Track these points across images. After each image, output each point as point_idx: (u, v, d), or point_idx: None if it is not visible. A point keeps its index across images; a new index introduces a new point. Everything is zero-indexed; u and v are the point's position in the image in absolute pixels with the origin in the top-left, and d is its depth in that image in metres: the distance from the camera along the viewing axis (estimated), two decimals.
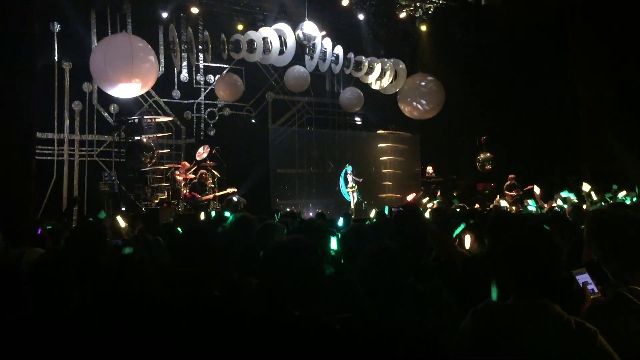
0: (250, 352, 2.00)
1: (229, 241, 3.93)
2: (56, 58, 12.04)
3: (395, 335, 2.10)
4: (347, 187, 14.90)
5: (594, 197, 9.12)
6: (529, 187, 13.79)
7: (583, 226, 4.37)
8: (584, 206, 7.85)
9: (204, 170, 12.66)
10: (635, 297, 2.08)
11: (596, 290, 2.45)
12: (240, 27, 13.55)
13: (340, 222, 6.15)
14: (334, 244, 3.97)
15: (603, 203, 8.48)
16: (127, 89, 11.00)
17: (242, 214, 4.85)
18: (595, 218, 2.42)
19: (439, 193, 14.80)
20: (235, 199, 11.77)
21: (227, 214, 6.06)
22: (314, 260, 2.11)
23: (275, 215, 9.31)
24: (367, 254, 2.38)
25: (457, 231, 4.07)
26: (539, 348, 1.92)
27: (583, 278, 2.51)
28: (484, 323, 2.05)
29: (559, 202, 9.65)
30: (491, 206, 12.31)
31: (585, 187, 9.67)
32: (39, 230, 5.01)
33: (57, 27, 11.95)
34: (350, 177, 14.87)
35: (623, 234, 2.21)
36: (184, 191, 12.16)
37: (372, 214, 8.46)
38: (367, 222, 6.73)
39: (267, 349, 1.94)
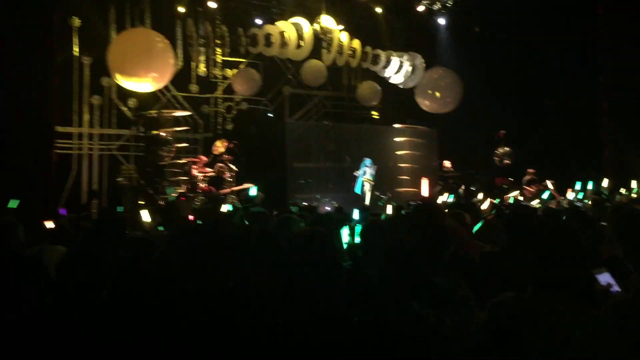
0: (266, 344, 2.01)
1: (244, 235, 3.96)
2: (75, 52, 12.13)
3: (411, 330, 2.10)
4: (363, 179, 14.80)
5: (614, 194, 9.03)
6: (547, 182, 13.64)
7: (603, 222, 4.33)
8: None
9: (222, 164, 12.71)
10: None
11: (619, 290, 2.42)
12: (258, 21, 13.55)
13: (356, 214, 6.11)
14: (345, 235, 3.97)
15: (618, 198, 8.38)
16: (144, 83, 11.08)
17: (259, 210, 4.88)
18: (619, 213, 2.39)
19: (462, 187, 14.66)
20: (253, 193, 11.79)
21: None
22: (330, 250, 2.11)
23: (292, 208, 9.35)
24: (384, 248, 2.38)
25: (476, 228, 4.05)
26: (557, 342, 1.90)
27: (604, 277, 2.48)
28: (501, 316, 2.04)
29: (571, 195, 9.58)
30: (510, 200, 12.21)
31: (605, 182, 9.58)
32: (62, 211, 5.06)
33: (76, 22, 12.04)
34: (368, 170, 14.78)
35: None
36: (202, 185, 12.22)
37: (389, 209, 8.43)
38: (382, 217, 6.72)
39: (283, 340, 1.95)
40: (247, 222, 4.93)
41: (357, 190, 14.82)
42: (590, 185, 10.14)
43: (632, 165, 11.86)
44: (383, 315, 2.15)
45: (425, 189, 12.95)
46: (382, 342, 1.93)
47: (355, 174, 14.78)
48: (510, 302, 2.08)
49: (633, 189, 9.42)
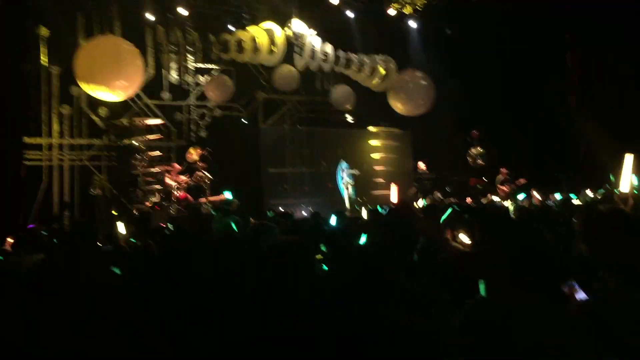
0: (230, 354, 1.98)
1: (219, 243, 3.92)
2: (44, 62, 11.93)
3: (382, 333, 2.08)
4: (342, 183, 14.85)
5: (589, 194, 9.17)
6: (521, 181, 13.82)
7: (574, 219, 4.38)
8: (575, 201, 7.88)
9: (197, 172, 12.63)
10: (623, 294, 2.08)
11: (583, 293, 2.45)
12: (229, 27, 13.48)
13: (333, 220, 6.06)
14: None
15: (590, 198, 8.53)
16: (113, 92, 10.95)
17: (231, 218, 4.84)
18: (585, 214, 2.42)
19: (436, 192, 14.74)
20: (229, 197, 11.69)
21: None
22: (306, 261, 2.09)
23: (268, 213, 9.30)
24: (355, 252, 2.37)
25: (444, 217, 4.04)
26: (532, 344, 1.90)
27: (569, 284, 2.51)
28: (475, 319, 2.03)
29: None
30: (484, 201, 12.34)
31: (588, 192, 9.71)
32: (31, 225, 4.99)
33: (44, 31, 11.84)
34: (345, 173, 14.81)
35: (611, 229, 2.20)
36: (177, 193, 12.11)
37: (364, 213, 8.44)
38: (359, 221, 6.70)
39: (250, 352, 1.92)
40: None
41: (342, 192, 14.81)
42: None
43: (603, 163, 12.07)
44: (352, 319, 2.14)
45: (394, 195, 13.03)
46: (352, 346, 1.91)
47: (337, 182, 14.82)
48: (486, 303, 2.08)
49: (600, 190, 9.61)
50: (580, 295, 2.44)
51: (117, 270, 3.79)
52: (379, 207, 8.25)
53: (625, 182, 8.62)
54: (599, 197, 8.49)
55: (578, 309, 2.15)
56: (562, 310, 1.97)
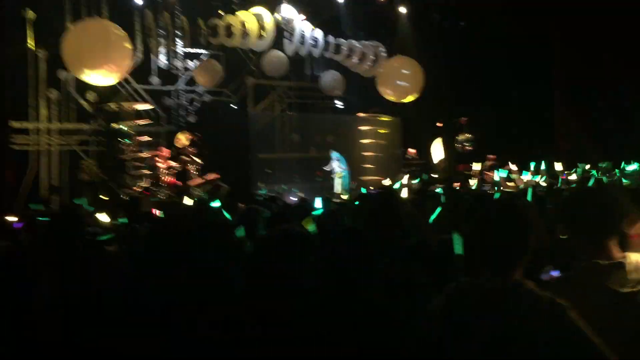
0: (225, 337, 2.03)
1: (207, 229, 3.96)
2: (30, 46, 11.81)
3: (364, 318, 2.13)
4: (332, 174, 14.86)
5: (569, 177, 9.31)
6: (507, 167, 13.90)
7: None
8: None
9: (185, 157, 12.62)
10: (598, 271, 2.14)
11: (557, 273, 2.51)
12: (218, 11, 13.39)
13: (318, 202, 6.07)
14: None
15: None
16: (102, 76, 10.87)
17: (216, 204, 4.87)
18: (565, 195, 2.48)
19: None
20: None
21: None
22: (304, 252, 2.11)
23: (257, 196, 9.34)
24: (336, 234, 2.40)
25: (433, 216, 4.11)
26: (512, 325, 1.92)
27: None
28: (456, 302, 2.06)
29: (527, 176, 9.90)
30: (473, 187, 12.41)
31: (558, 166, 9.88)
32: (17, 225, 4.99)
33: (30, 14, 11.71)
34: (335, 164, 14.83)
35: (591, 209, 2.26)
36: (166, 179, 12.11)
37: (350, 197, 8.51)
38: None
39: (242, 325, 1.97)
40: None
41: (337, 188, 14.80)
42: (542, 165, 10.42)
43: (584, 149, 12.23)
44: (335, 302, 2.18)
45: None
46: (333, 330, 1.96)
47: (325, 168, 14.83)
48: (466, 286, 2.10)
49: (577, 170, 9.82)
50: (553, 271, 2.50)
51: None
52: (363, 190, 8.30)
53: None
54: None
55: (552, 288, 2.21)
56: (545, 293, 2.00)
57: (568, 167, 10.35)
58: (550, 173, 9.82)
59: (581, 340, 1.89)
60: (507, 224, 2.07)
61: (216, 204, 5.67)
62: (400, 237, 3.18)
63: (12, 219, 5.92)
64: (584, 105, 13.06)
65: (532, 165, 10.61)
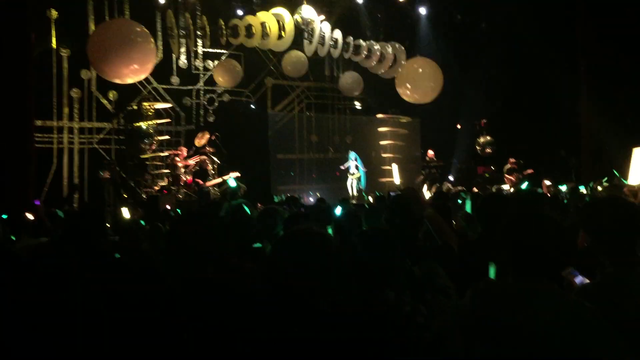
0: (240, 331, 2.02)
1: (227, 227, 3.97)
2: (54, 45, 11.97)
3: (385, 318, 2.12)
4: (348, 173, 14.84)
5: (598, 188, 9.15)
6: (529, 171, 13.80)
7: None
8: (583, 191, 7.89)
9: (204, 157, 12.68)
10: (622, 280, 2.11)
11: (583, 279, 2.47)
12: (238, 12, 13.44)
13: (338, 210, 6.08)
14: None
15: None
16: (125, 75, 10.97)
17: (239, 202, 4.87)
18: (590, 203, 2.44)
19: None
20: (233, 184, 11.79)
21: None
22: (329, 251, 2.09)
23: (275, 198, 9.36)
24: (359, 235, 2.39)
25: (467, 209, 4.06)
26: (541, 327, 1.91)
27: (570, 272, 2.53)
28: (484, 301, 2.05)
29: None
30: (493, 189, 12.34)
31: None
32: (37, 202, 5.04)
33: (54, 14, 11.87)
34: (352, 164, 14.80)
35: (615, 219, 2.22)
36: (184, 178, 12.18)
37: (370, 199, 8.49)
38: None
39: (255, 327, 1.96)
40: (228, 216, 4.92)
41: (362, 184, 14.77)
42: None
43: (609, 155, 12.01)
44: (357, 304, 2.17)
45: (396, 175, 13.01)
46: (355, 331, 1.94)
47: (342, 167, 14.82)
48: (495, 287, 2.09)
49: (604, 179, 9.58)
50: (579, 280, 2.46)
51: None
52: (377, 193, 8.27)
53: (635, 175, 8.60)
54: (604, 187, 8.49)
55: (577, 294, 2.18)
56: (570, 296, 1.99)
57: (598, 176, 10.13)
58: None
59: (611, 343, 1.88)
60: (541, 230, 2.05)
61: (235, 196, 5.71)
62: (423, 239, 3.16)
63: (30, 217, 5.99)
64: (611, 105, 12.81)
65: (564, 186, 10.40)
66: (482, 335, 2.00)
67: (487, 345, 1.97)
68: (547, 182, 10.93)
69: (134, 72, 11.09)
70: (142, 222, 5.88)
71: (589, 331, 1.88)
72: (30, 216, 5.54)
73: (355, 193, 14.45)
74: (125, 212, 6.05)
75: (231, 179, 11.21)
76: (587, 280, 2.42)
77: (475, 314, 2.04)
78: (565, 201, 6.21)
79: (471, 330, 2.03)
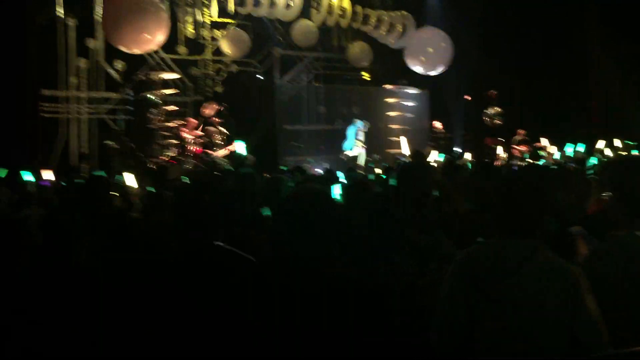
0: (249, 297, 2.04)
1: (233, 196, 3.98)
2: (59, 14, 11.88)
3: (392, 283, 2.13)
4: (357, 141, 14.74)
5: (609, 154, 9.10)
6: (538, 143, 13.71)
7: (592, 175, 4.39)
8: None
9: (212, 127, 12.66)
10: (634, 241, 2.10)
11: (594, 241, 2.46)
12: None
13: (341, 176, 6.09)
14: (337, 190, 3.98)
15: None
16: (139, 44, 10.92)
17: (248, 171, 4.89)
18: (615, 163, 2.46)
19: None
20: (241, 151, 11.74)
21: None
22: (330, 207, 2.11)
23: (283, 168, 9.37)
24: (367, 205, 2.39)
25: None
26: (527, 285, 2.02)
27: (579, 232, 2.54)
28: (475, 261, 2.14)
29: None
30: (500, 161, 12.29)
31: (600, 143, 9.63)
32: (47, 183, 5.07)
33: None
34: (362, 133, 14.72)
35: (633, 177, 2.22)
36: (192, 148, 12.19)
37: (378, 170, 8.47)
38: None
39: (267, 294, 1.97)
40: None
41: (347, 147, 14.71)
42: (580, 147, 10.19)
43: (620, 119, 11.91)
44: (364, 268, 2.17)
45: (405, 147, 12.96)
46: (362, 295, 1.95)
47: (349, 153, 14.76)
48: (487, 247, 2.19)
49: (617, 147, 9.52)
50: (587, 240, 2.48)
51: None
52: (385, 164, 8.24)
53: None
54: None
55: (586, 256, 2.21)
56: (556, 256, 2.09)
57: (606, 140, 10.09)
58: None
59: (585, 310, 1.98)
60: (525, 192, 2.17)
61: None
62: (429, 208, 3.15)
63: (47, 174, 6.03)
64: (620, 76, 12.65)
65: (570, 146, 10.34)
66: (471, 292, 2.09)
67: (477, 303, 2.07)
68: (544, 141, 10.84)
69: (147, 42, 11.04)
70: (152, 189, 5.90)
71: (570, 295, 1.98)
72: (49, 174, 5.56)
73: (362, 163, 14.42)
74: (132, 181, 6.07)
75: (240, 145, 11.15)
76: (595, 240, 2.43)
77: (465, 274, 2.13)
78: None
79: (462, 290, 2.12)
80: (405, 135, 15.31)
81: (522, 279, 2.03)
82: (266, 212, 3.80)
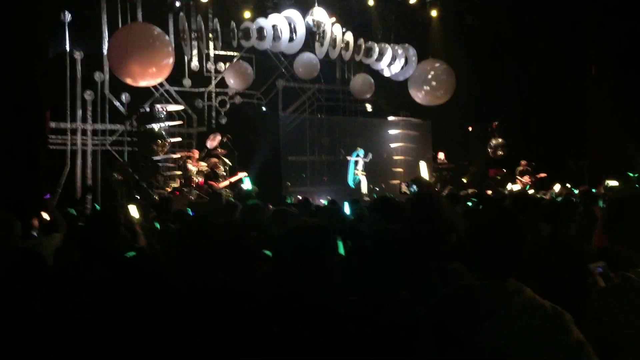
0: (255, 334, 2.03)
1: (240, 228, 3.98)
2: (67, 48, 12.07)
3: (400, 319, 2.11)
4: (356, 170, 14.88)
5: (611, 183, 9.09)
6: (542, 174, 13.75)
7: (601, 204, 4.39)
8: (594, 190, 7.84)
9: (216, 159, 12.73)
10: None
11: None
12: (249, 14, 13.48)
13: (347, 208, 6.07)
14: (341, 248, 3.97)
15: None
16: (145, 78, 11.06)
17: (255, 202, 4.90)
18: (614, 200, 2.41)
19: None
20: (248, 187, 11.80)
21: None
22: (331, 243, 2.12)
23: (288, 199, 9.38)
24: (372, 238, 2.38)
25: None
26: (502, 332, 1.84)
27: (600, 269, 2.48)
28: (446, 306, 1.99)
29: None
30: (505, 192, 12.28)
31: (612, 183, 9.58)
32: (48, 195, 5.07)
33: (68, 17, 11.97)
34: (361, 161, 14.87)
35: (633, 216, 2.19)
36: (196, 179, 12.23)
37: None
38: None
39: (272, 331, 1.97)
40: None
41: (350, 182, 14.89)
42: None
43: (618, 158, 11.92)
44: (372, 305, 2.16)
45: (424, 172, 12.93)
46: (370, 332, 1.94)
47: (349, 158, 14.90)
48: (453, 291, 2.03)
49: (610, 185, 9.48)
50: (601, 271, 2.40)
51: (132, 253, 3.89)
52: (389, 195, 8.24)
53: None
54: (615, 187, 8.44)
55: (593, 295, 2.15)
56: (533, 297, 1.92)
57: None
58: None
59: (579, 353, 1.82)
60: (497, 228, 2.00)
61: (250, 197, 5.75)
62: (443, 240, 3.14)
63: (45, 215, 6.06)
64: (620, 108, 12.72)
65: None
66: (450, 338, 1.92)
67: (454, 349, 1.90)
68: (558, 187, 10.88)
69: (151, 75, 11.19)
70: (156, 224, 5.91)
71: (560, 339, 1.82)
72: (46, 216, 5.60)
73: (365, 191, 14.48)
74: (134, 212, 6.07)
75: (247, 181, 11.22)
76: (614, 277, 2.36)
77: (443, 317, 1.97)
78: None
79: (438, 332, 1.97)
80: (408, 167, 15.39)
81: (497, 326, 1.84)
82: (267, 252, 3.78)
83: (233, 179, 12.65)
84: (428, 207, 3.23)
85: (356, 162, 14.98)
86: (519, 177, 14.28)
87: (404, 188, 8.85)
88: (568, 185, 10.56)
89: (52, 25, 11.35)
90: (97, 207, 9.66)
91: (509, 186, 11.88)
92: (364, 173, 14.82)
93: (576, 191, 9.53)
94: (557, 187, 10.75)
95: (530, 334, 1.82)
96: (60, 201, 10.91)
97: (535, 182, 13.78)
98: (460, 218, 3.72)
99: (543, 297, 1.94)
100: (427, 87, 14.76)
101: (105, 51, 12.07)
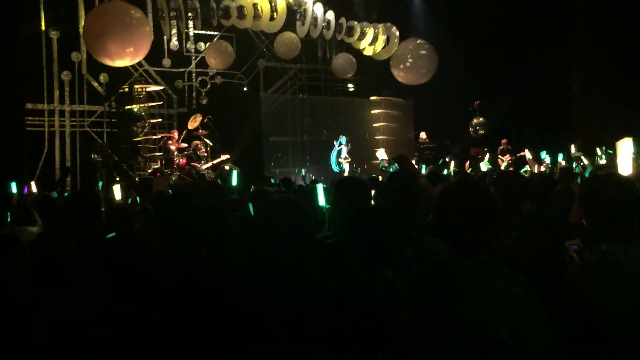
0: (238, 312, 2.02)
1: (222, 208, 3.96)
2: (43, 27, 11.82)
3: (382, 295, 2.11)
4: (340, 158, 14.87)
5: (584, 161, 9.15)
6: (522, 153, 13.82)
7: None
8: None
9: (197, 141, 12.63)
10: (617, 256, 2.10)
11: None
12: None
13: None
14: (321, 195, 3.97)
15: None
16: (122, 58, 10.86)
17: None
18: (592, 181, 2.42)
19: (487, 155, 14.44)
20: (227, 167, 11.76)
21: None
22: (304, 219, 2.11)
23: (272, 180, 9.36)
24: (351, 215, 2.36)
25: None
26: (477, 306, 1.87)
27: (575, 246, 2.51)
28: (419, 282, 2.01)
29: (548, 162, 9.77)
30: (485, 170, 12.35)
31: (572, 148, 9.74)
32: (25, 189, 4.99)
33: None
34: (344, 148, 14.85)
35: (616, 199, 2.19)
36: (177, 160, 12.14)
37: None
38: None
39: (255, 308, 1.96)
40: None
41: (334, 168, 14.89)
42: (559, 157, 10.29)
43: (600, 130, 12.04)
44: (355, 282, 2.15)
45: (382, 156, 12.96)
46: (354, 309, 1.95)
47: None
48: (425, 268, 2.08)
49: (599, 156, 9.56)
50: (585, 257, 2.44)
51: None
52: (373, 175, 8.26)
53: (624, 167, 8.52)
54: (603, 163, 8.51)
55: (570, 272, 2.18)
56: (508, 271, 1.95)
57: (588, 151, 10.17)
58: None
59: (537, 324, 1.88)
60: (478, 204, 2.00)
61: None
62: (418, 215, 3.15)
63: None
64: (603, 86, 12.83)
65: (544, 154, 10.47)
66: (423, 313, 1.95)
67: (430, 323, 1.92)
68: (528, 154, 10.95)
69: (129, 55, 10.99)
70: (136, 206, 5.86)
71: (531, 308, 1.87)
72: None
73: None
74: (117, 193, 6.03)
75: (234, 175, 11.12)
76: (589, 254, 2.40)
77: (413, 295, 1.99)
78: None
79: (411, 309, 1.99)
80: (390, 146, 15.40)
81: (474, 295, 1.87)
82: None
83: (215, 161, 12.58)
84: (405, 185, 3.24)
85: (339, 151, 14.93)
86: (500, 156, 14.37)
87: (385, 164, 8.92)
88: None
89: (26, 4, 11.12)
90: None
91: (483, 166, 11.94)
92: (349, 159, 14.80)
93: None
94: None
95: (506, 297, 1.87)
96: (40, 183, 10.77)
97: (515, 160, 13.87)
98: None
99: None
100: (409, 66, 14.71)
101: (81, 30, 11.83)
